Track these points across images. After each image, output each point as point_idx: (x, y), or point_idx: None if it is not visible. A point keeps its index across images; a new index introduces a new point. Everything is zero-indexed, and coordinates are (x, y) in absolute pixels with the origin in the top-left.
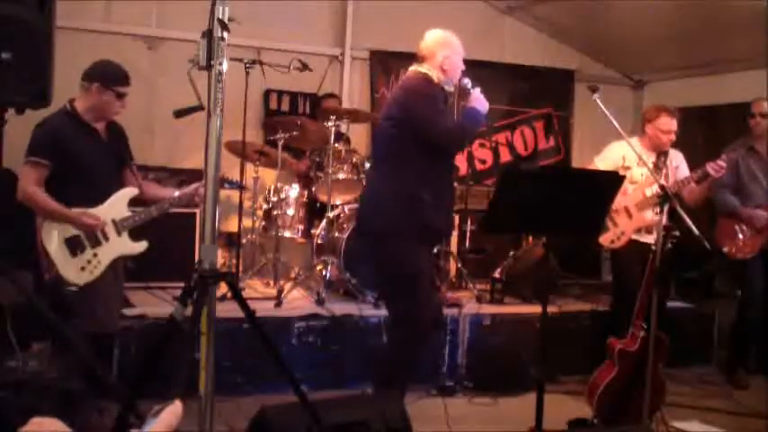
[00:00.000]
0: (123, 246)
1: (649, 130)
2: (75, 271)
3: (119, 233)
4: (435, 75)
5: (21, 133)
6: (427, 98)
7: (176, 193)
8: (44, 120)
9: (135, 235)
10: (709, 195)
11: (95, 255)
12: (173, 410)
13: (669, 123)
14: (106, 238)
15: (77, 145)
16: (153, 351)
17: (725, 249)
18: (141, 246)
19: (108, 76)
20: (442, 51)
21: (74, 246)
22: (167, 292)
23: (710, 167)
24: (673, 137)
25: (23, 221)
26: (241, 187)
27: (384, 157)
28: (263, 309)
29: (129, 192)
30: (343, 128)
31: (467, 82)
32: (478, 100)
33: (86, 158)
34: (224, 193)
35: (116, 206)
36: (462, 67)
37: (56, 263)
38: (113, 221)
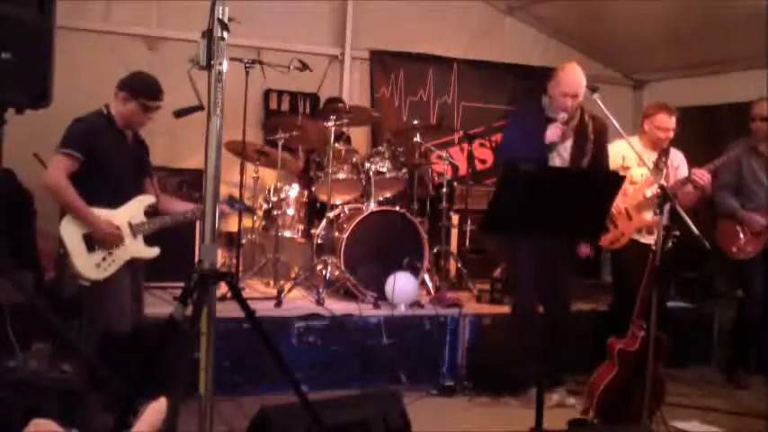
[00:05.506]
0: (137, 248)
1: (647, 127)
2: (90, 266)
3: (134, 235)
4: (544, 101)
5: (21, 133)
6: (515, 122)
7: (192, 207)
8: (82, 117)
9: (149, 241)
10: (705, 197)
11: (110, 253)
12: (156, 407)
13: (666, 121)
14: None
15: (109, 145)
16: (153, 351)
17: (727, 250)
18: (154, 251)
19: (136, 87)
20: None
21: (91, 242)
22: (167, 292)
23: (695, 176)
24: (670, 134)
25: (23, 221)
26: (251, 210)
27: None
28: (263, 309)
29: (147, 198)
30: (344, 127)
31: (563, 116)
32: (550, 130)
33: (114, 160)
34: (225, 192)
35: (133, 210)
36: (565, 103)
37: (72, 256)
38: (129, 224)
